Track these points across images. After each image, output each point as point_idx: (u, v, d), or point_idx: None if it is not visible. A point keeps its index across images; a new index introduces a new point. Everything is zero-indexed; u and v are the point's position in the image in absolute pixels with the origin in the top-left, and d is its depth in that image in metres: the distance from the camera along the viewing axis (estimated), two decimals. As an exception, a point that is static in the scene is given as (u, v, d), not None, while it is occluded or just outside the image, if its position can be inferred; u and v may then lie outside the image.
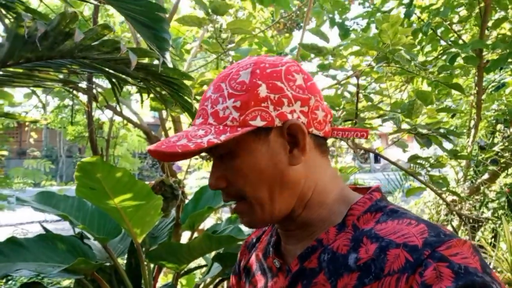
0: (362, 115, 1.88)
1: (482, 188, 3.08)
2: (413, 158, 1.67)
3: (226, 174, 0.56)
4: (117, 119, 2.91)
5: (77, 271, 1.59)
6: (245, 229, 1.86)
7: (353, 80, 1.84)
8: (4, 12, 1.28)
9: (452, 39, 2.84)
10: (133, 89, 2.78)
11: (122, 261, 2.36)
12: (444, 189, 1.79)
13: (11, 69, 1.11)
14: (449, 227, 2.99)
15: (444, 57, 2.61)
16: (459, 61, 2.58)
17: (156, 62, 1.15)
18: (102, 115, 2.99)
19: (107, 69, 1.18)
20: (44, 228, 1.94)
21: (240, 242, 1.57)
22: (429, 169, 1.82)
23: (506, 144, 3.04)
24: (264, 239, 0.69)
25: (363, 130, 0.61)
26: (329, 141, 3.07)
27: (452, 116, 3.57)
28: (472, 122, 3.02)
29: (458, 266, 0.42)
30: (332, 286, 0.50)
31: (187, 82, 1.31)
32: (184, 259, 1.71)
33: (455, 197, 2.76)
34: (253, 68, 0.55)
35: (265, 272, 0.63)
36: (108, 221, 1.93)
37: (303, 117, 0.55)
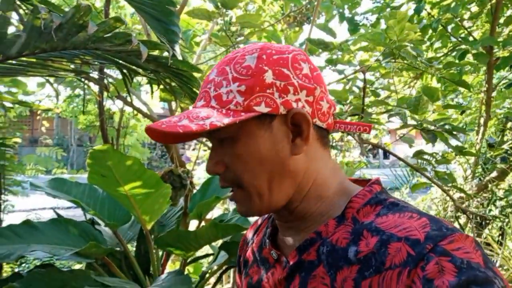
0: (370, 110, 1.90)
1: (490, 185, 3.06)
2: (418, 154, 1.68)
3: (225, 159, 0.55)
4: (128, 109, 2.96)
5: (89, 255, 1.65)
6: (251, 218, 1.90)
7: (362, 75, 1.85)
8: (18, 2, 1.33)
9: (463, 35, 2.82)
10: (143, 80, 2.82)
11: (131, 247, 2.42)
12: (450, 185, 1.80)
13: (25, 59, 1.16)
14: (456, 224, 2.99)
15: (453, 54, 2.60)
16: (469, 58, 2.56)
17: (166, 54, 1.19)
18: (113, 105, 3.04)
19: (118, 60, 1.22)
20: (57, 214, 2.01)
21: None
22: (435, 165, 1.83)
23: (516, 142, 3.02)
24: (261, 231, 0.68)
25: (366, 124, 0.60)
26: (337, 135, 3.08)
27: (462, 113, 3.55)
28: (482, 120, 3.00)
29: (461, 261, 0.42)
30: (332, 279, 0.49)
31: (196, 74, 1.34)
32: (191, 246, 1.75)
33: (462, 194, 2.76)
34: (260, 53, 0.54)
35: (261, 264, 0.62)
36: (118, 208, 1.99)
37: (308, 107, 0.54)
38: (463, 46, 2.43)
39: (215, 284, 2.03)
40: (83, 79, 1.80)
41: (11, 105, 2.66)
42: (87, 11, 0.92)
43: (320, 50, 1.79)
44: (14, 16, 1.49)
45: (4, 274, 2.31)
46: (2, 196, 2.39)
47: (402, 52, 1.43)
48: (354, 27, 2.69)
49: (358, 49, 1.96)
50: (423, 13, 2.75)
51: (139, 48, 0.96)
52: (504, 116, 3.35)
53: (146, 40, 1.07)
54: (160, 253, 2.08)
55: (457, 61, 2.34)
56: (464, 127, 3.85)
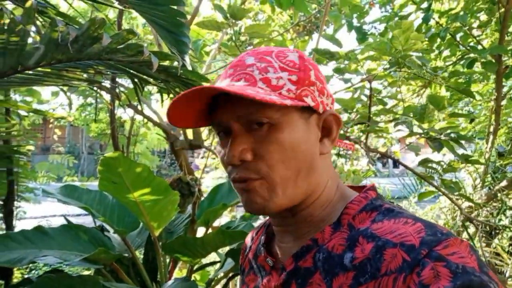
0: (377, 119, 1.91)
1: (499, 195, 3.03)
2: (424, 162, 1.69)
3: (255, 146, 0.52)
4: (138, 117, 3.02)
5: (97, 261, 1.68)
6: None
7: (369, 84, 1.87)
8: (36, 15, 1.38)
9: (472, 44, 2.82)
10: (153, 89, 2.87)
11: (139, 254, 2.45)
12: (456, 193, 1.80)
13: (42, 69, 1.20)
14: (465, 234, 2.96)
15: (462, 62, 2.60)
16: (478, 66, 2.56)
17: (176, 64, 1.23)
18: (124, 114, 3.10)
19: (130, 70, 1.26)
20: (68, 221, 2.04)
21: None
22: (442, 173, 1.83)
23: (526, 151, 2.99)
24: (257, 240, 0.68)
25: (351, 144, 0.65)
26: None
27: (471, 122, 3.53)
28: (492, 128, 2.98)
29: (456, 266, 0.42)
30: (328, 286, 0.49)
31: (205, 84, 1.37)
32: (198, 252, 1.77)
33: (471, 204, 2.74)
34: (299, 54, 0.56)
35: (258, 271, 0.63)
36: (128, 215, 2.02)
37: None
38: (471, 55, 2.44)
39: (222, 291, 2.04)
40: (95, 88, 1.85)
41: (25, 114, 2.73)
42: (102, 24, 0.96)
43: (327, 60, 1.81)
44: (31, 28, 1.54)
45: (15, 280, 2.35)
46: (15, 202, 2.44)
47: (407, 61, 1.45)
48: (362, 36, 2.71)
49: (365, 58, 1.98)
50: (431, 22, 2.76)
51: (150, 59, 0.99)
52: (514, 125, 3.32)
53: (157, 51, 1.10)
54: (168, 260, 2.10)
55: (465, 69, 2.34)
56: (474, 135, 3.83)
